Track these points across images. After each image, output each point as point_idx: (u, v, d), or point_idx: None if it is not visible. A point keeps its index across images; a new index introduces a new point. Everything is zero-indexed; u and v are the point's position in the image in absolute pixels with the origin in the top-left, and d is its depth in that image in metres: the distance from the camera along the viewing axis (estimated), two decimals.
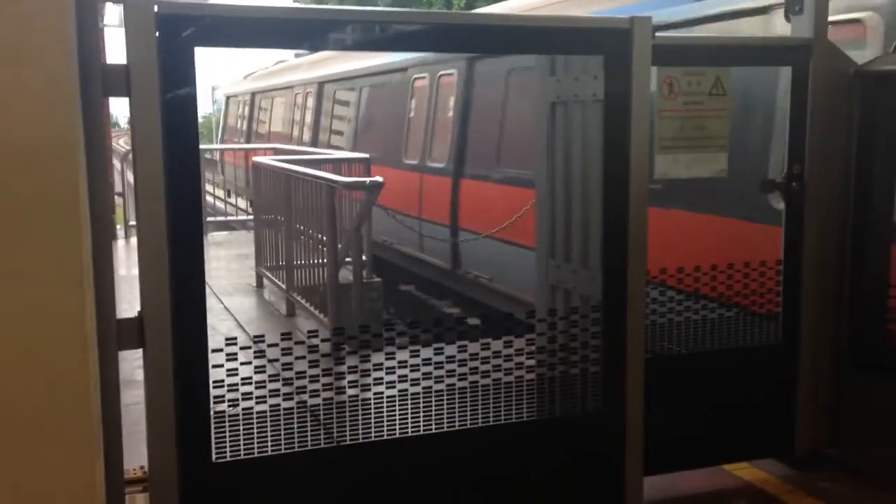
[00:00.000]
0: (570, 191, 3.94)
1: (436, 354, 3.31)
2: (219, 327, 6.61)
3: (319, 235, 6.52)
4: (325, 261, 6.38)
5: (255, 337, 3.16)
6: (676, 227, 5.56)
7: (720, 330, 3.97)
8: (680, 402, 3.94)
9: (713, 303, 4.00)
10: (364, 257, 6.65)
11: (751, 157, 4.86)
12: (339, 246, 6.36)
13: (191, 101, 2.81)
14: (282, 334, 3.18)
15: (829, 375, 4.19)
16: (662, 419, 3.79)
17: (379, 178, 6.21)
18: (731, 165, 3.80)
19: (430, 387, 3.30)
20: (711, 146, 3.81)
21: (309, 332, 3.28)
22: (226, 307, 7.38)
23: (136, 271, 2.92)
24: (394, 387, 3.25)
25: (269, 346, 3.13)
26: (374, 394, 3.24)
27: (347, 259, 6.45)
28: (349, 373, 3.19)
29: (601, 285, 3.54)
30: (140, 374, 3.00)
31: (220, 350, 3.03)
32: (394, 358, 3.26)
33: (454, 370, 3.32)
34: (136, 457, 3.39)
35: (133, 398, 3.90)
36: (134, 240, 10.21)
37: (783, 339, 4.12)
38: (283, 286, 7.28)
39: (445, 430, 3.33)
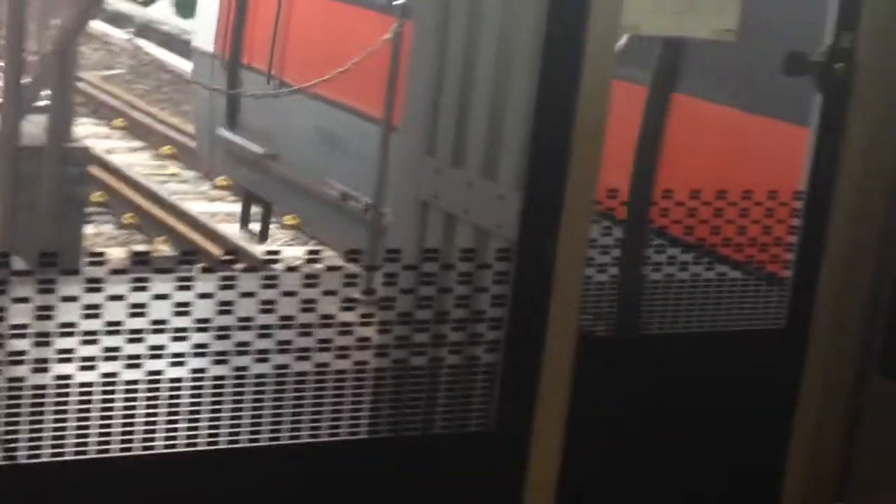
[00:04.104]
0: (477, 37, 3.75)
1: (180, 310, 3.20)
2: None
3: None
4: None
5: None
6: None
7: (686, 298, 4.10)
8: (620, 415, 3.93)
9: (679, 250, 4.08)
10: (67, 103, 6.61)
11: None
12: (26, 81, 6.28)
13: None
14: None
15: (848, 387, 4.23)
16: (591, 446, 3.81)
17: None
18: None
19: (179, 376, 3.24)
20: None
21: None
22: None
23: None
24: (94, 366, 3.14)
25: None
26: (57, 378, 3.13)
27: (39, 104, 6.39)
28: (12, 335, 3.08)
29: (518, 213, 3.53)
30: None
31: None
32: (97, 314, 3.11)
33: (226, 347, 3.30)
34: None
35: None
36: None
37: (788, 322, 4.17)
38: None
39: (202, 447, 3.30)
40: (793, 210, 4.12)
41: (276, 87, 8.37)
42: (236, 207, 11.36)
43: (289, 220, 10.22)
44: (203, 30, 9.59)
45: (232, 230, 10.29)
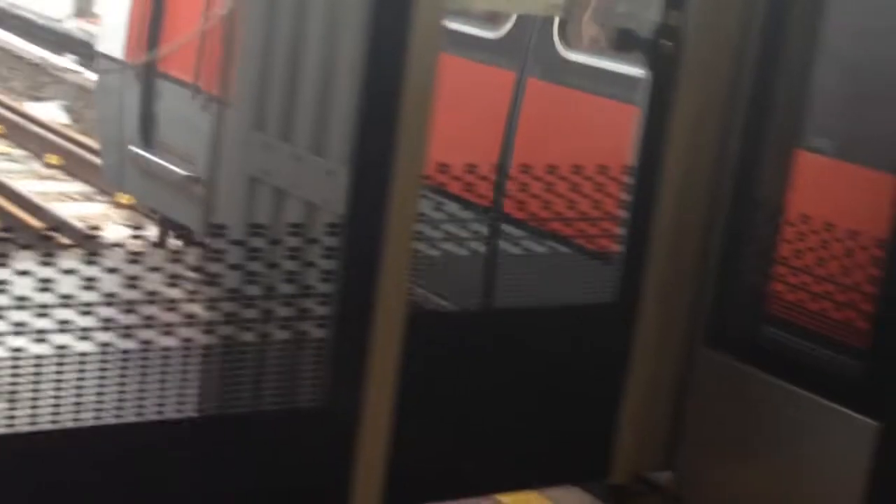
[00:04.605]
0: (306, 13, 3.71)
1: None
2: None
3: None
4: None
5: None
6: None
7: (523, 274, 4.18)
8: (451, 389, 3.95)
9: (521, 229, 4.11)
10: None
11: None
12: None
13: None
14: None
15: (677, 358, 4.31)
16: (422, 420, 3.84)
17: None
18: None
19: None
20: None
21: None
22: None
23: None
24: None
25: None
26: None
27: None
28: None
29: (346, 188, 3.52)
30: None
31: None
32: None
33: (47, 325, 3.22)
34: None
35: None
36: None
37: (619, 296, 4.22)
38: None
39: (21, 428, 3.22)
40: (623, 185, 4.15)
41: (204, 99, 7.96)
42: (68, 186, 11.05)
43: None
44: (110, 34, 9.00)
45: (64, 209, 10.07)
